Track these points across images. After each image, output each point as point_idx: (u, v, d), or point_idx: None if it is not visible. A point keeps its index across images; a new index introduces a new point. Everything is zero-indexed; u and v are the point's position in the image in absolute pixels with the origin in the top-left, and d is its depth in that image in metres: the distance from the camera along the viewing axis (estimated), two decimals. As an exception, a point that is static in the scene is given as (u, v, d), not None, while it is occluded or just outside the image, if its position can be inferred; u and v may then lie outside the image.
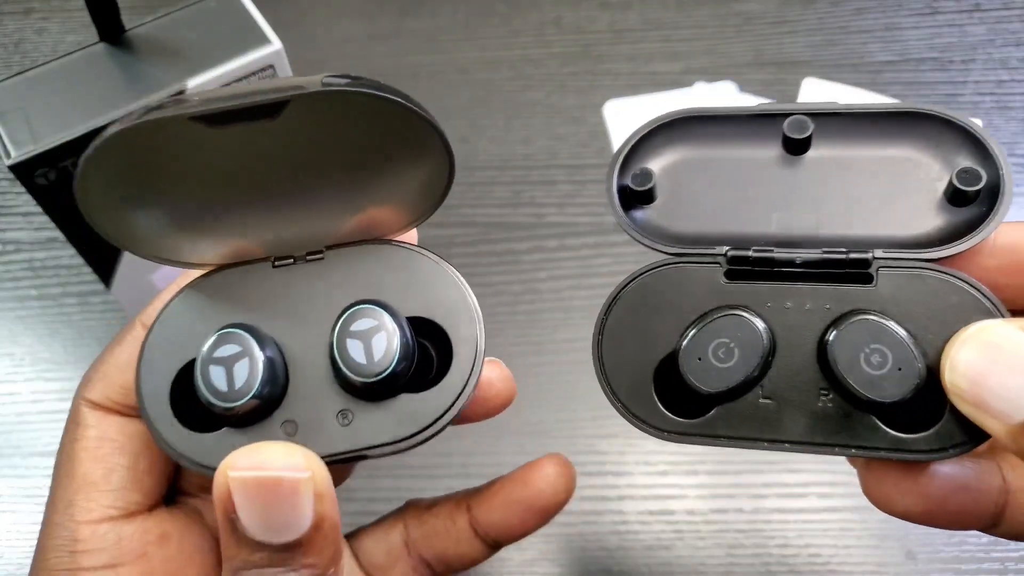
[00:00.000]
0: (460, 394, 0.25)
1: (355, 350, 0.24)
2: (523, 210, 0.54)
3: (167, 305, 0.26)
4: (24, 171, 0.36)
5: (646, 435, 0.25)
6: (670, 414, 0.25)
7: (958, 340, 0.22)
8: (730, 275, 0.25)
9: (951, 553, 0.41)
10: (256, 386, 0.24)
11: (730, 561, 0.42)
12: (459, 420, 0.26)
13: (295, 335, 0.26)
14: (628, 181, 0.27)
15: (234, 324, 0.25)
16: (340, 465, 0.25)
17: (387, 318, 0.25)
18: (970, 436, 0.22)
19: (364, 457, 0.25)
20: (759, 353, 0.24)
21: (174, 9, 0.40)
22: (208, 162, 0.24)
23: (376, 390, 0.25)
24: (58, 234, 0.49)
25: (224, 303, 0.26)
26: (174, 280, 0.28)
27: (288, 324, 0.26)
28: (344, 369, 0.24)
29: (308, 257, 0.27)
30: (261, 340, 0.25)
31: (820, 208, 0.26)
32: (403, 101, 0.23)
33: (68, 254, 0.53)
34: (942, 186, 0.25)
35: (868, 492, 0.25)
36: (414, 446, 0.25)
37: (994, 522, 0.25)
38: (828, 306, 0.24)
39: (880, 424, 0.23)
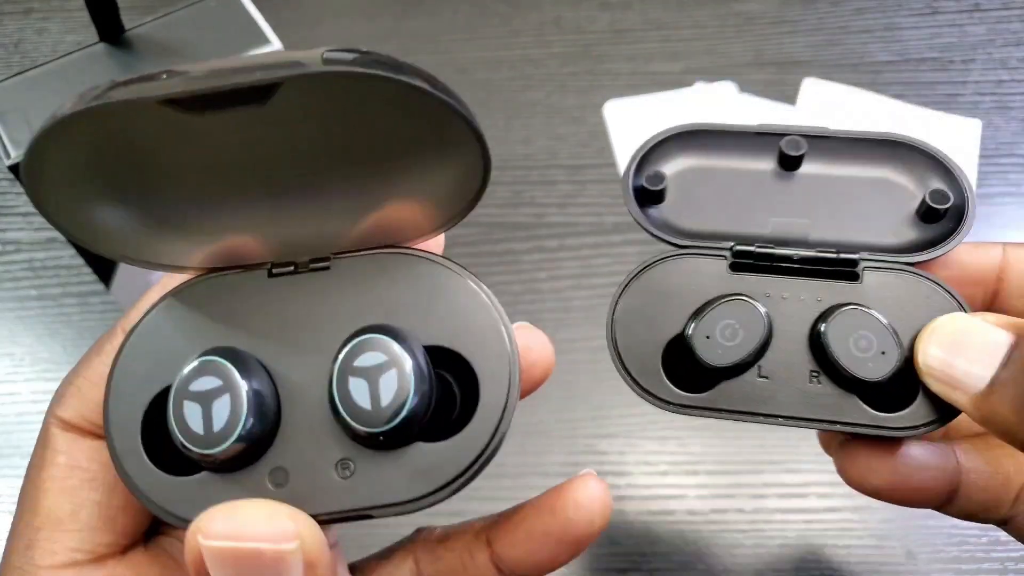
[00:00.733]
0: (486, 447, 0.21)
1: (359, 391, 0.20)
2: (523, 210, 0.54)
3: (144, 317, 0.23)
4: (24, 171, 0.36)
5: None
6: (677, 389, 0.27)
7: (930, 328, 0.26)
8: (734, 267, 0.28)
9: (951, 553, 0.41)
10: (239, 428, 0.20)
11: (730, 561, 0.42)
12: None
13: (291, 361, 0.22)
14: (643, 181, 0.29)
15: (216, 349, 0.21)
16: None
17: (399, 350, 0.21)
18: (940, 415, 0.26)
19: (367, 517, 0.21)
20: (760, 334, 0.26)
21: (174, 9, 0.40)
22: (188, 151, 0.20)
23: (384, 440, 0.21)
24: (58, 234, 0.49)
25: (209, 318, 0.22)
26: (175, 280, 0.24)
27: (283, 347, 0.22)
28: (344, 415, 0.21)
29: (312, 265, 0.23)
30: (247, 369, 0.21)
31: (811, 216, 0.29)
32: (422, 84, 0.18)
33: (68, 254, 0.53)
34: (915, 204, 0.29)
35: (844, 471, 0.27)
36: (428, 506, 0.21)
37: (948, 500, 0.28)
38: (819, 298, 0.27)
39: (862, 404, 0.26)
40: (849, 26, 0.61)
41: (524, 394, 0.25)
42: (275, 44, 0.39)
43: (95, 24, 0.38)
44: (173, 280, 0.24)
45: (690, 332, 0.27)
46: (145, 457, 0.21)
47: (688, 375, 0.27)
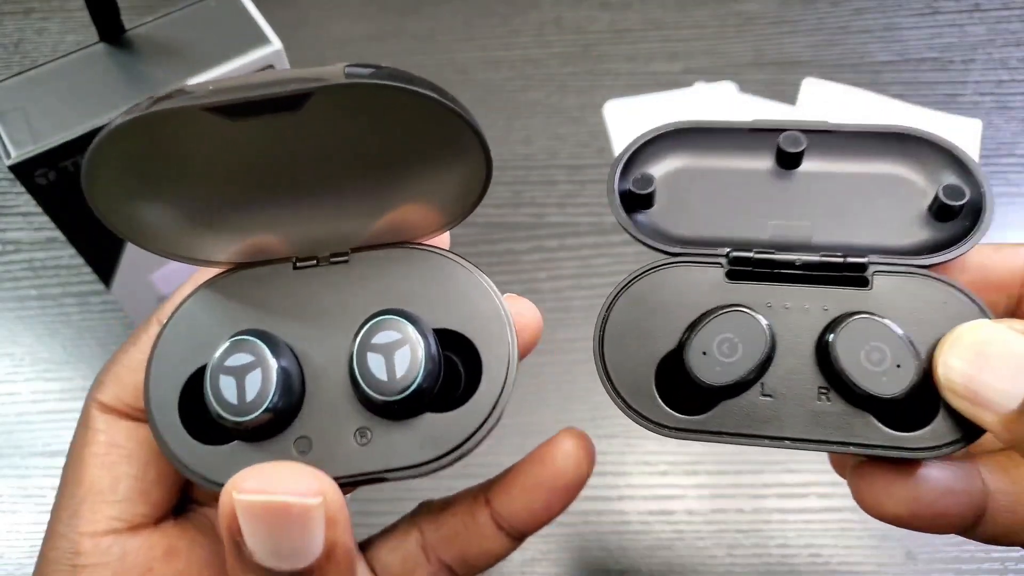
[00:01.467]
0: (489, 415, 0.24)
1: (376, 365, 0.23)
2: (523, 210, 0.54)
3: (180, 306, 0.25)
4: (24, 171, 0.36)
5: (646, 434, 0.25)
6: (672, 411, 0.25)
7: (950, 338, 0.23)
8: (731, 275, 0.26)
9: (951, 553, 0.41)
10: (268, 399, 0.23)
11: (730, 561, 0.42)
12: None
13: (314, 343, 0.24)
14: (630, 185, 0.27)
15: (248, 331, 0.24)
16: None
17: (412, 330, 0.23)
18: (963, 434, 0.23)
19: (382, 480, 0.24)
20: (762, 349, 0.24)
21: (174, 9, 0.40)
22: (225, 155, 0.23)
23: (397, 409, 0.23)
24: (58, 234, 0.49)
25: (240, 305, 0.25)
26: (175, 280, 0.27)
27: (307, 331, 0.24)
28: (363, 385, 0.23)
29: (332, 259, 0.25)
30: (276, 348, 0.23)
31: (813, 218, 0.27)
32: (434, 95, 0.21)
33: (68, 254, 0.53)
34: (927, 202, 0.27)
35: (859, 496, 0.25)
36: (437, 470, 0.24)
37: (974, 524, 0.25)
38: (826, 307, 0.25)
39: (877, 422, 0.24)
40: (849, 26, 0.61)
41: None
42: (275, 44, 0.39)
43: (95, 24, 0.38)
44: (204, 274, 0.26)
45: (685, 348, 0.25)
46: (183, 429, 0.24)
47: (684, 395, 0.25)
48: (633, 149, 0.28)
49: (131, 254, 0.41)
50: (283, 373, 0.23)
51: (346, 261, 0.25)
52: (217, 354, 0.23)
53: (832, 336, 0.24)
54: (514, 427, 0.46)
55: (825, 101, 0.58)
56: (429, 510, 0.30)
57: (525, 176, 0.55)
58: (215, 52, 0.38)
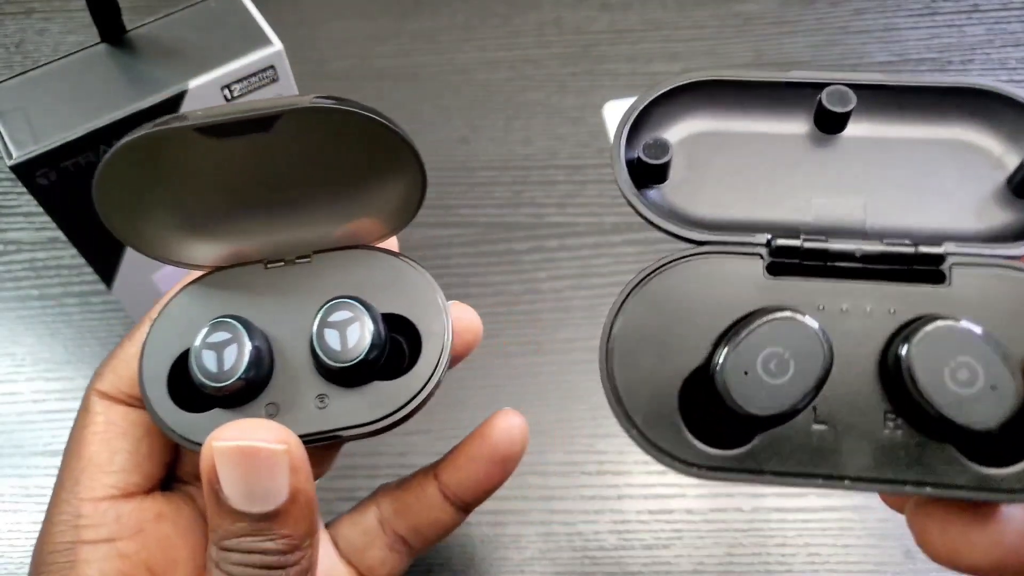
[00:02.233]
0: (428, 381, 0.27)
1: (332, 338, 0.27)
2: (523, 210, 0.54)
3: (168, 302, 0.29)
4: (25, 171, 0.36)
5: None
6: (701, 444, 0.20)
7: None
8: (772, 269, 0.21)
9: (950, 552, 0.41)
10: (242, 369, 0.26)
11: (729, 561, 0.42)
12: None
13: (281, 327, 0.28)
14: (640, 152, 0.22)
15: (227, 316, 0.27)
16: (319, 452, 0.28)
17: (363, 311, 0.27)
18: None
19: (338, 438, 0.27)
20: (820, 365, 0.19)
21: (175, 10, 0.40)
22: (212, 170, 0.27)
23: (350, 375, 0.27)
24: (59, 234, 0.49)
25: (220, 298, 0.29)
26: (175, 280, 0.30)
27: (275, 317, 0.28)
28: (321, 355, 0.27)
29: (297, 261, 0.29)
30: (250, 330, 0.27)
31: (864, 194, 0.22)
32: (377, 118, 0.25)
33: (69, 254, 0.53)
34: (1005, 174, 0.21)
35: (927, 541, 0.21)
36: (384, 429, 0.27)
37: None
38: (892, 309, 0.20)
39: (960, 456, 0.19)
40: (848, 26, 0.61)
41: (458, 353, 0.31)
42: (276, 45, 0.39)
43: (96, 25, 0.38)
44: (189, 277, 0.30)
45: (719, 365, 0.20)
46: (170, 400, 0.27)
47: (712, 421, 0.20)
48: (642, 106, 0.22)
49: (132, 254, 0.41)
50: (255, 349, 0.27)
51: (309, 261, 0.29)
52: (201, 334, 0.27)
53: (905, 348, 0.19)
54: (514, 427, 0.46)
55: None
56: (386, 489, 0.34)
57: (525, 176, 0.55)
58: (216, 53, 0.38)
